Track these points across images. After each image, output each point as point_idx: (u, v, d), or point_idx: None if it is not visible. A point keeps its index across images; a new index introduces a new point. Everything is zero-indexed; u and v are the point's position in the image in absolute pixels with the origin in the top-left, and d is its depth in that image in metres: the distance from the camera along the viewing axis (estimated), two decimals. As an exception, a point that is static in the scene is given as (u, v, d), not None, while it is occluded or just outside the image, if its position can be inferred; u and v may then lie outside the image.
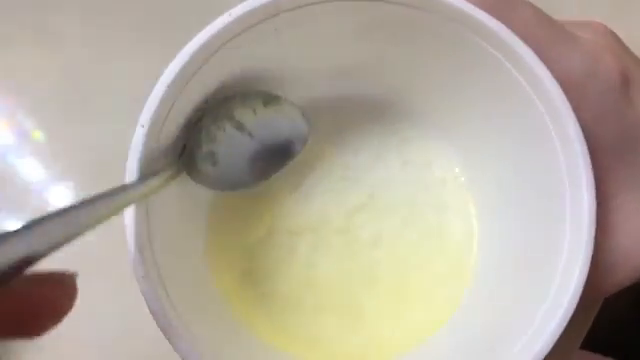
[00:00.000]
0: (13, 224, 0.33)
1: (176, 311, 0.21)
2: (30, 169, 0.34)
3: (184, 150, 0.24)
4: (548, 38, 0.23)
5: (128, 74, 0.35)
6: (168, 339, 0.21)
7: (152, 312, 0.21)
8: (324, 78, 0.28)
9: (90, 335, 0.31)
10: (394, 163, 0.30)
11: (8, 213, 0.33)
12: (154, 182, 0.21)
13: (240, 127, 0.25)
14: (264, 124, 0.26)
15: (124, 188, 0.20)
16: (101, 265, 0.30)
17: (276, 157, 0.27)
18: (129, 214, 0.21)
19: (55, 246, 0.16)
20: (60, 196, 0.34)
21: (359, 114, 0.29)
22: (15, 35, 0.37)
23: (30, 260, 0.15)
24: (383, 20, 0.24)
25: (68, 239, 0.16)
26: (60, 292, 0.16)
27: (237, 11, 0.21)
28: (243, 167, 0.26)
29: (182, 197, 0.25)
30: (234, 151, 0.25)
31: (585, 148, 0.22)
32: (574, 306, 0.21)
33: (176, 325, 0.21)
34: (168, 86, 0.21)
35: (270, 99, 0.26)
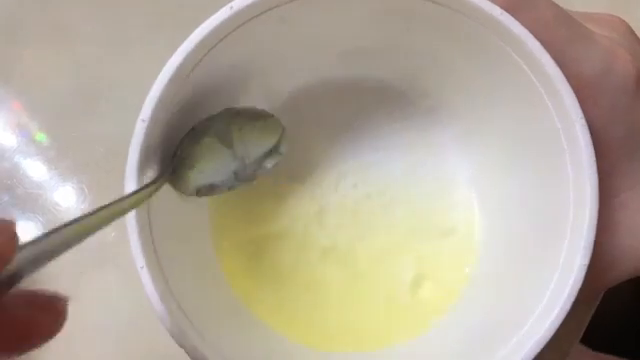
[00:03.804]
0: (23, 223, 0.34)
1: (176, 300, 0.22)
2: (38, 169, 0.35)
3: (173, 159, 0.24)
4: (566, 37, 0.23)
5: (135, 73, 0.35)
6: (168, 330, 0.21)
7: (154, 308, 0.21)
8: (330, 60, 0.28)
9: (106, 320, 0.31)
10: (400, 156, 0.30)
11: (19, 213, 0.34)
12: (147, 191, 0.22)
13: (227, 144, 0.26)
14: (247, 141, 0.26)
15: (122, 200, 0.20)
16: (116, 256, 0.30)
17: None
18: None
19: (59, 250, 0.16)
20: (68, 194, 0.34)
21: (367, 101, 0.29)
22: (21, 36, 0.37)
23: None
24: (395, 10, 0.24)
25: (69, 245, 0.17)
26: (49, 317, 0.16)
27: (238, 4, 0.22)
28: (228, 177, 0.26)
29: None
30: (218, 166, 0.26)
31: (591, 147, 0.22)
32: (572, 300, 0.21)
33: (177, 315, 0.21)
34: (169, 80, 0.21)
35: (257, 116, 0.26)
